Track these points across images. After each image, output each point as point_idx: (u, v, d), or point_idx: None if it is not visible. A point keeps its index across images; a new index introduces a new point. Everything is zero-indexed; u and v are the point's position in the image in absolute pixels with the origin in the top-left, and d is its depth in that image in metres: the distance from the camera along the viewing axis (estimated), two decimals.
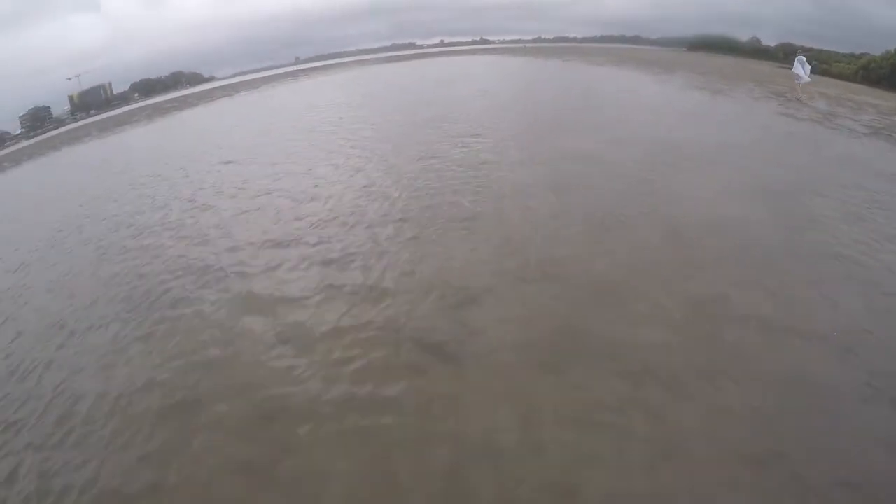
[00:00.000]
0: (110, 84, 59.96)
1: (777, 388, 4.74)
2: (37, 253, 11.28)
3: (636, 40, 70.51)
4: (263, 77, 52.95)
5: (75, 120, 55.07)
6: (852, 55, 45.20)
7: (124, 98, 58.30)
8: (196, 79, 56.36)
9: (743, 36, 56.62)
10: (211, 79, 56.49)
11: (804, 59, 22.55)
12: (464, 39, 74.40)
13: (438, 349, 5.56)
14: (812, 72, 22.46)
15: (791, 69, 22.59)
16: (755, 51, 53.36)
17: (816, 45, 46.77)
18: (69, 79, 58.13)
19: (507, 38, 74.74)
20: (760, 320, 5.68)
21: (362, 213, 9.82)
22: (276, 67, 58.98)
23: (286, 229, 9.48)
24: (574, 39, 72.63)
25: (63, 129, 50.47)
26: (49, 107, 60.13)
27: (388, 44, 70.37)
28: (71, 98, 60.48)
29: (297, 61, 62.66)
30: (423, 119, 18.66)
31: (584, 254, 7.31)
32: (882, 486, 3.83)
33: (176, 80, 55.35)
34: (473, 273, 7.02)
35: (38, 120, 59.06)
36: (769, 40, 54.34)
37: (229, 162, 16.05)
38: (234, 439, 4.72)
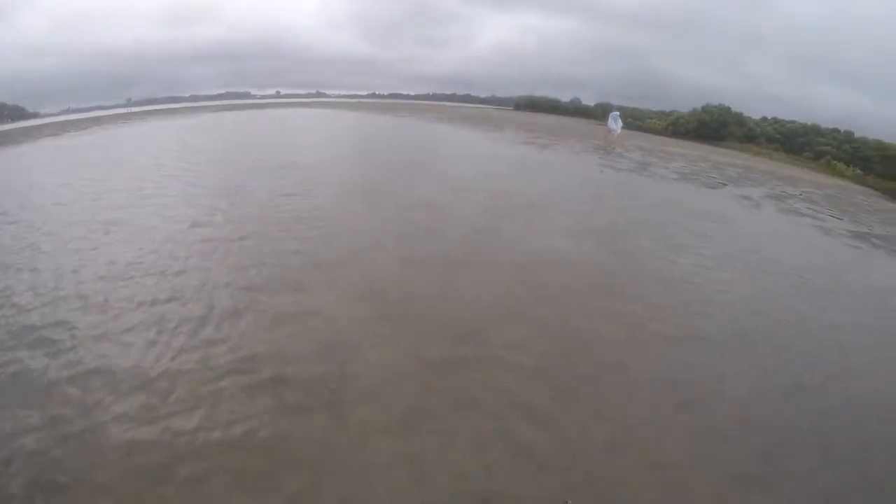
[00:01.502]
0: None
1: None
2: None
3: (467, 98, 76.37)
4: (93, 118, 48.67)
5: None
6: (662, 112, 52.56)
7: None
8: (19, 113, 49.97)
9: (565, 96, 63.46)
10: (36, 114, 50.38)
11: (618, 114, 26.26)
12: (300, 91, 74.89)
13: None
14: (622, 127, 26.27)
15: (606, 124, 26.02)
16: (576, 109, 60.00)
17: (631, 104, 53.75)
18: None
19: (344, 92, 76.72)
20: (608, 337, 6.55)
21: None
22: (107, 108, 54.52)
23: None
24: (408, 96, 76.60)
25: None
26: None
27: (223, 91, 68.90)
28: None
29: (129, 102, 58.56)
30: (267, 167, 17.87)
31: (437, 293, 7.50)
32: None
33: None
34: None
35: None
36: (589, 100, 61.46)
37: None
38: None
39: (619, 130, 25.74)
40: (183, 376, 5.37)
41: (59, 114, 52.45)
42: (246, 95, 70.54)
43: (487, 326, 6.48)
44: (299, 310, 6.78)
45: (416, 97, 74.80)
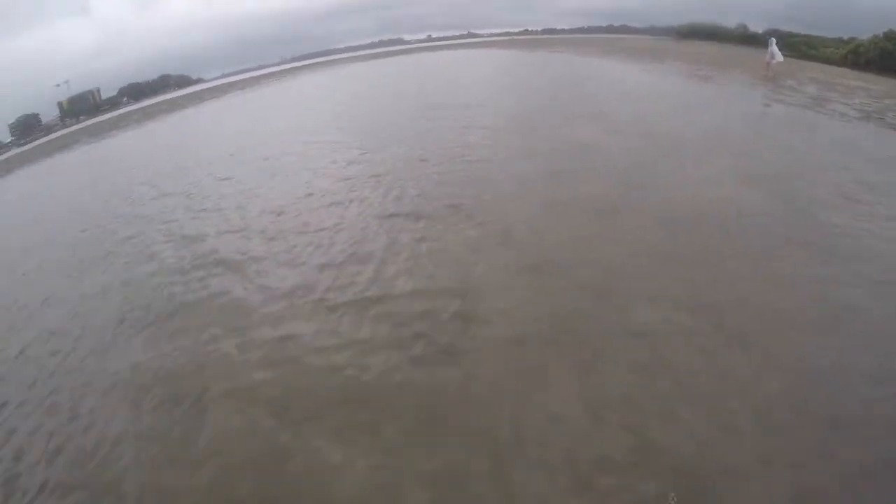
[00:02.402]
0: (98, 89, 59.68)
1: None
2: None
3: (624, 30, 70.17)
4: (250, 77, 52.74)
5: (65, 126, 54.86)
6: (840, 39, 45.06)
7: (113, 103, 58.06)
8: (184, 81, 56.11)
9: (730, 22, 56.42)
10: (199, 80, 56.17)
11: (775, 40, 23.47)
12: (452, 34, 74.30)
13: None
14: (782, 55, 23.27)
15: (767, 52, 23.12)
16: (743, 37, 53.10)
17: (804, 30, 46.65)
18: (57, 85, 57.87)
19: (495, 31, 74.52)
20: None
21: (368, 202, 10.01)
22: (264, 67, 58.60)
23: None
24: (561, 31, 72.36)
25: (54, 135, 50.29)
26: (38, 114, 59.89)
27: (375, 40, 70.17)
28: (60, 104, 60.19)
29: (284, 60, 62.37)
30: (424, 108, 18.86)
31: (586, 238, 7.41)
32: None
33: (164, 83, 55.12)
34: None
35: (27, 128, 58.81)
36: (757, 26, 54.10)
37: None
38: None
39: (778, 58, 22.74)
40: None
41: (220, 77, 55.93)
42: (398, 42, 71.05)
43: (624, 286, 6.14)
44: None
45: (570, 31, 71.14)
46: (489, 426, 4.32)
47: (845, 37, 44.67)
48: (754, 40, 50.94)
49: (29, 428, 5.37)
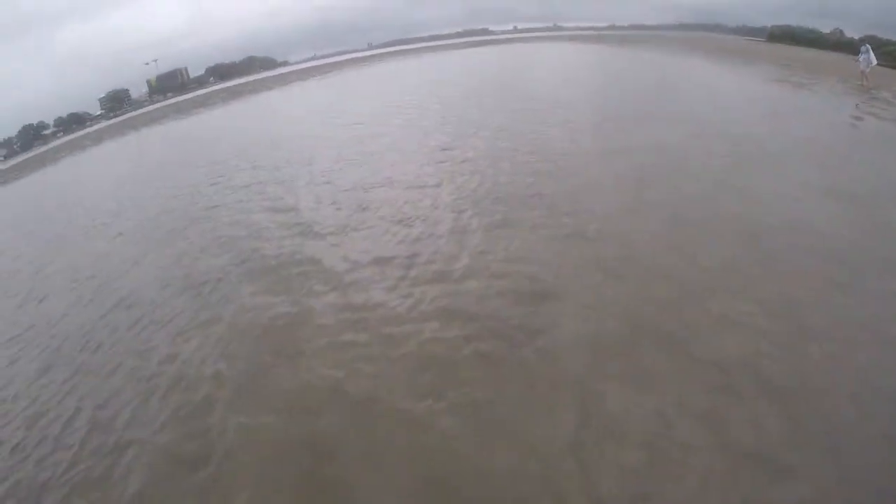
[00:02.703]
0: (186, 68, 61.02)
1: None
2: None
3: (714, 28, 67.01)
4: (334, 62, 52.45)
5: (153, 102, 56.11)
6: None
7: (200, 82, 59.14)
8: (269, 63, 56.53)
9: (825, 27, 52.54)
10: (284, 63, 56.46)
11: (869, 47, 21.47)
12: (537, 25, 72.66)
13: None
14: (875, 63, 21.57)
15: (857, 58, 21.34)
16: (838, 43, 48.98)
17: None
18: (147, 63, 59.58)
19: (581, 24, 72.68)
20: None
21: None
22: (348, 52, 58.36)
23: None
24: (649, 27, 69.84)
25: (141, 110, 51.30)
26: (128, 89, 61.85)
27: (460, 29, 69.11)
28: (149, 82, 61.92)
29: (371, 46, 61.94)
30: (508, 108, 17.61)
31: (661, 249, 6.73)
32: None
33: (250, 64, 55.59)
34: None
35: (117, 102, 60.71)
36: (853, 32, 50.04)
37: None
38: None
39: (872, 63, 20.75)
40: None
41: (304, 61, 57.03)
42: (484, 32, 70.19)
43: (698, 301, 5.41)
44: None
45: (659, 27, 68.11)
46: None
47: None
48: (849, 47, 46.62)
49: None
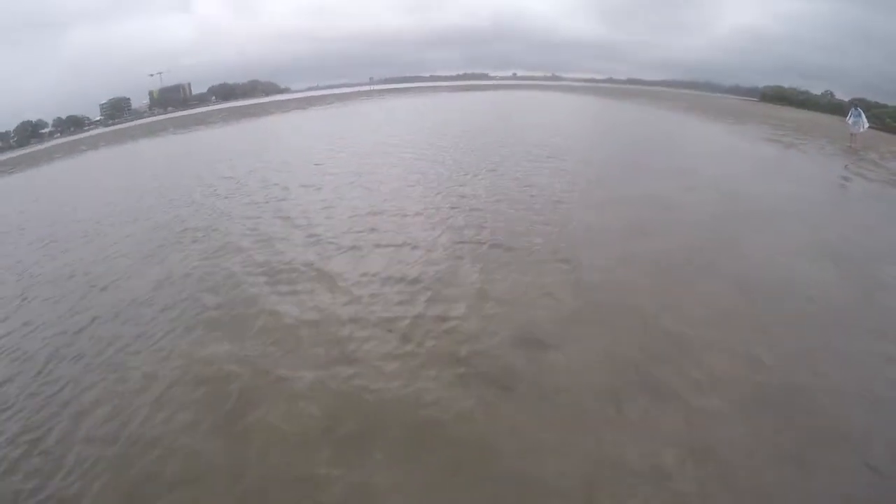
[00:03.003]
0: (189, 84, 61.95)
1: None
2: None
3: (708, 86, 68.99)
4: (337, 94, 53.63)
5: (153, 114, 56.79)
6: None
7: (201, 99, 59.97)
8: (272, 88, 57.58)
9: (817, 88, 54.72)
10: (286, 90, 57.54)
11: (860, 111, 22.46)
12: (536, 74, 74.69)
13: None
14: (867, 126, 22.34)
15: (847, 119, 22.31)
16: (829, 105, 51.10)
17: (892, 102, 44.71)
18: (151, 75, 60.37)
19: (579, 75, 74.67)
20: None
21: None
22: (350, 85, 59.62)
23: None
24: (645, 82, 71.77)
25: (141, 121, 51.92)
26: (129, 99, 62.50)
27: (461, 72, 71.00)
28: (151, 93, 62.68)
29: (371, 81, 63.48)
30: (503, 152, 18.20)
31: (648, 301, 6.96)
32: None
33: (253, 88, 56.67)
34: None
35: (117, 109, 61.28)
36: (843, 94, 52.25)
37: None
38: None
39: (863, 128, 21.78)
40: None
41: (306, 90, 57.64)
42: (483, 77, 72.19)
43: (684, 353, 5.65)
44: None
45: (654, 83, 70.43)
46: None
47: None
48: (840, 109, 48.81)
49: None
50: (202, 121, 40.02)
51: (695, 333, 6.03)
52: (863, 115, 21.70)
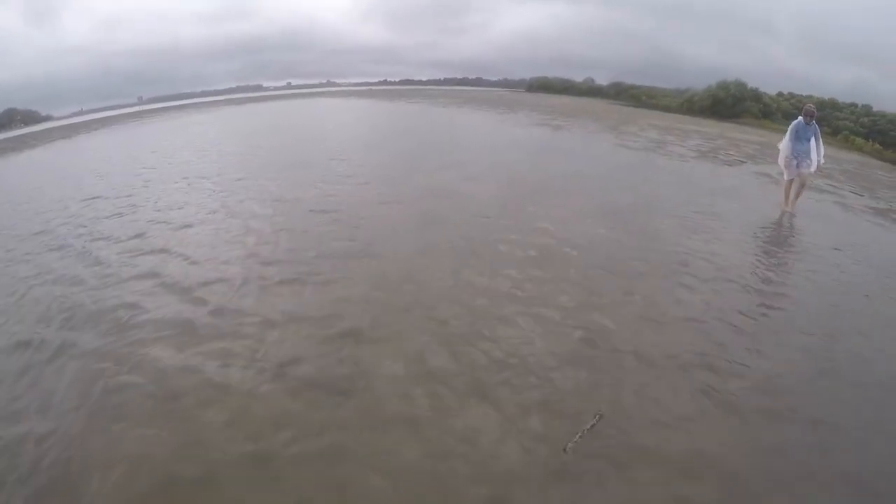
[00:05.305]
0: None
1: None
2: None
3: (479, 82, 75.92)
4: (102, 118, 49.11)
5: None
6: (677, 90, 51.75)
7: None
8: (32, 117, 50.50)
9: (579, 77, 62.82)
10: (48, 118, 50.86)
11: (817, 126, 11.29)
12: (312, 82, 75.22)
13: None
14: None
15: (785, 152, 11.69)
16: (590, 90, 59.15)
17: (646, 83, 53.07)
18: None
19: (354, 80, 76.84)
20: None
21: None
22: (118, 108, 54.77)
23: None
24: (419, 82, 76.38)
25: None
26: None
27: (233, 85, 69.02)
28: None
29: (141, 101, 58.72)
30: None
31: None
32: None
33: (10, 118, 49.06)
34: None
35: None
36: (602, 80, 60.68)
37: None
38: None
39: (815, 167, 11.47)
40: None
41: (70, 116, 53.01)
42: (258, 88, 71.29)
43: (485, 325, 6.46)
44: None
45: (428, 83, 74.37)
46: None
47: (682, 88, 51.27)
48: (600, 92, 57.01)
49: None
50: None
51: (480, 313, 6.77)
52: (820, 140, 11.22)
